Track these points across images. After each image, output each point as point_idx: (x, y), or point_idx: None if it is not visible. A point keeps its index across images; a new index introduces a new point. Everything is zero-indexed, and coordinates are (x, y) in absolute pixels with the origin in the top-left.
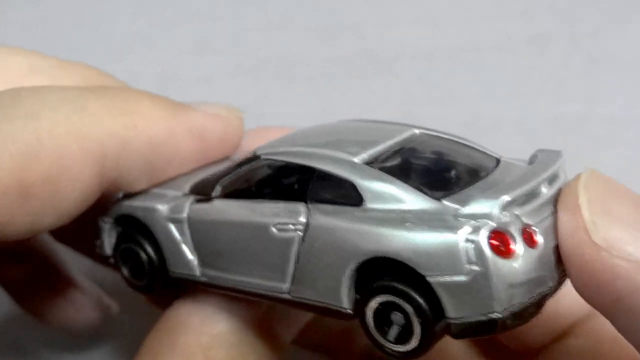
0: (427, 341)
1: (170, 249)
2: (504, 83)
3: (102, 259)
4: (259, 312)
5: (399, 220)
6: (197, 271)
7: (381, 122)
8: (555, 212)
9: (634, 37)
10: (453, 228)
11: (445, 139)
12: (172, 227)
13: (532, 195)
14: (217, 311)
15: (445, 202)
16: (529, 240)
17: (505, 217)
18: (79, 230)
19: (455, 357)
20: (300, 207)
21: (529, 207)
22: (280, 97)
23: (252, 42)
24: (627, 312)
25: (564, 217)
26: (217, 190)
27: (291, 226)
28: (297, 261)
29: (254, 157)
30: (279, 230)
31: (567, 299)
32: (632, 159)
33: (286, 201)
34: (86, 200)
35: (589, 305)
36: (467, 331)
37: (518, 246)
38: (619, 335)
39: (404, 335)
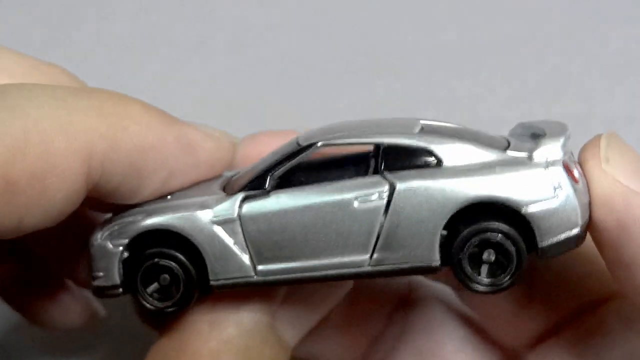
0: (521, 271)
1: (215, 255)
2: (504, 83)
3: (100, 293)
4: (266, 316)
5: (485, 168)
6: (251, 271)
7: (388, 119)
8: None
9: (634, 37)
10: (536, 165)
11: (443, 124)
12: (219, 230)
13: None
14: (225, 316)
15: (510, 153)
16: (579, 171)
17: (566, 154)
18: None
19: (451, 355)
20: (378, 178)
21: (568, 148)
22: (280, 97)
23: (252, 42)
24: (623, 226)
25: (587, 154)
26: (270, 183)
27: (375, 196)
28: (381, 230)
29: (309, 146)
30: (361, 202)
31: (555, 296)
32: None
33: (362, 176)
34: (72, 201)
35: (575, 301)
36: (555, 250)
37: (576, 173)
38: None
39: (495, 271)
